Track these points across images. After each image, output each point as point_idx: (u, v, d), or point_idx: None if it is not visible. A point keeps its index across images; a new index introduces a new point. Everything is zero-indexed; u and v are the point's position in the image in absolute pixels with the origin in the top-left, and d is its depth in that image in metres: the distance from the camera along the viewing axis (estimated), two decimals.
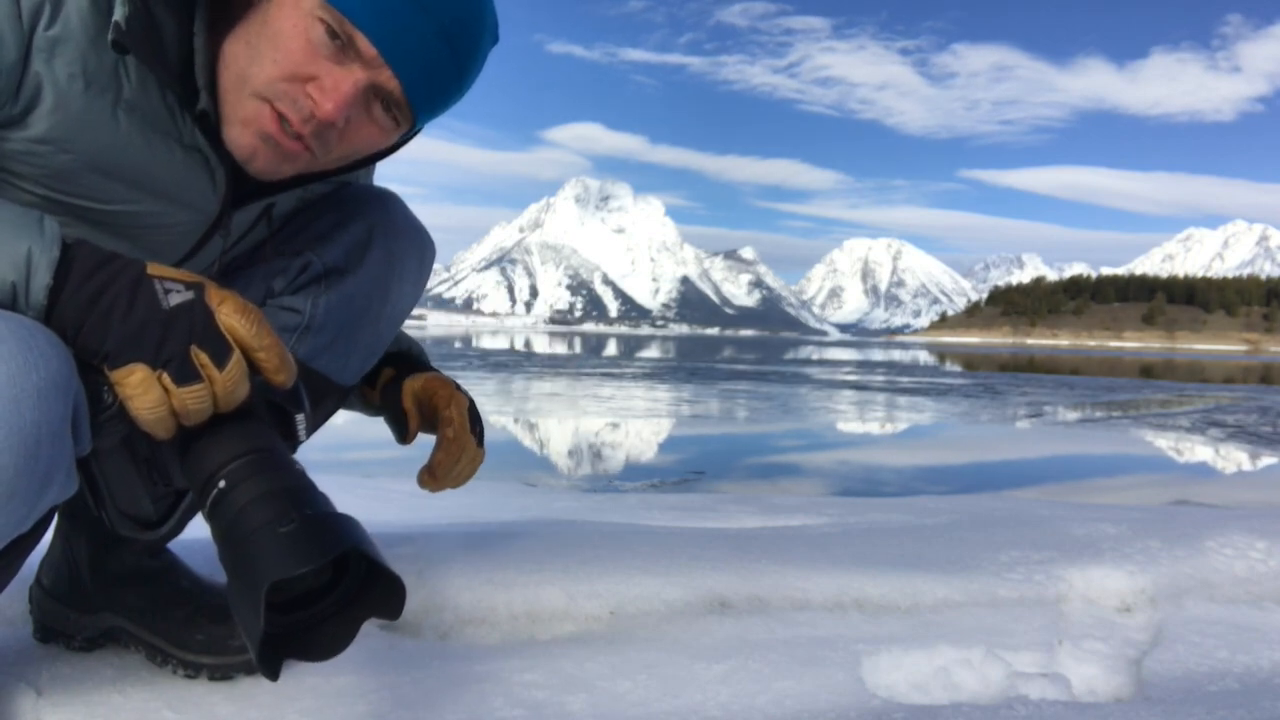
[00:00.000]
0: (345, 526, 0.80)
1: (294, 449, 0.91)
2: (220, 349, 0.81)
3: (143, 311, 0.80)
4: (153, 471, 0.90)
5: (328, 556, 0.78)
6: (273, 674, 0.79)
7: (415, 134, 1.12)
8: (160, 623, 1.26)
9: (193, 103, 0.99)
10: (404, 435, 1.38)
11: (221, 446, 0.83)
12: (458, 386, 1.38)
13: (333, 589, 0.85)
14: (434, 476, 1.33)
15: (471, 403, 1.38)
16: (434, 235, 1.36)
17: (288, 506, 0.79)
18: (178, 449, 0.86)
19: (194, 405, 0.81)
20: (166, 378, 0.80)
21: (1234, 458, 7.12)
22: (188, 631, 1.25)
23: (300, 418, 0.91)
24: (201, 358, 0.81)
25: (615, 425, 8.38)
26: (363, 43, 0.96)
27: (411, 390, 1.36)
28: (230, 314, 0.83)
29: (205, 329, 0.81)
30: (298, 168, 1.04)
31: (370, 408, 1.43)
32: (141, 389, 0.80)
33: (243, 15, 0.98)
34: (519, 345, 40.97)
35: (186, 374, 0.80)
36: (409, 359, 1.43)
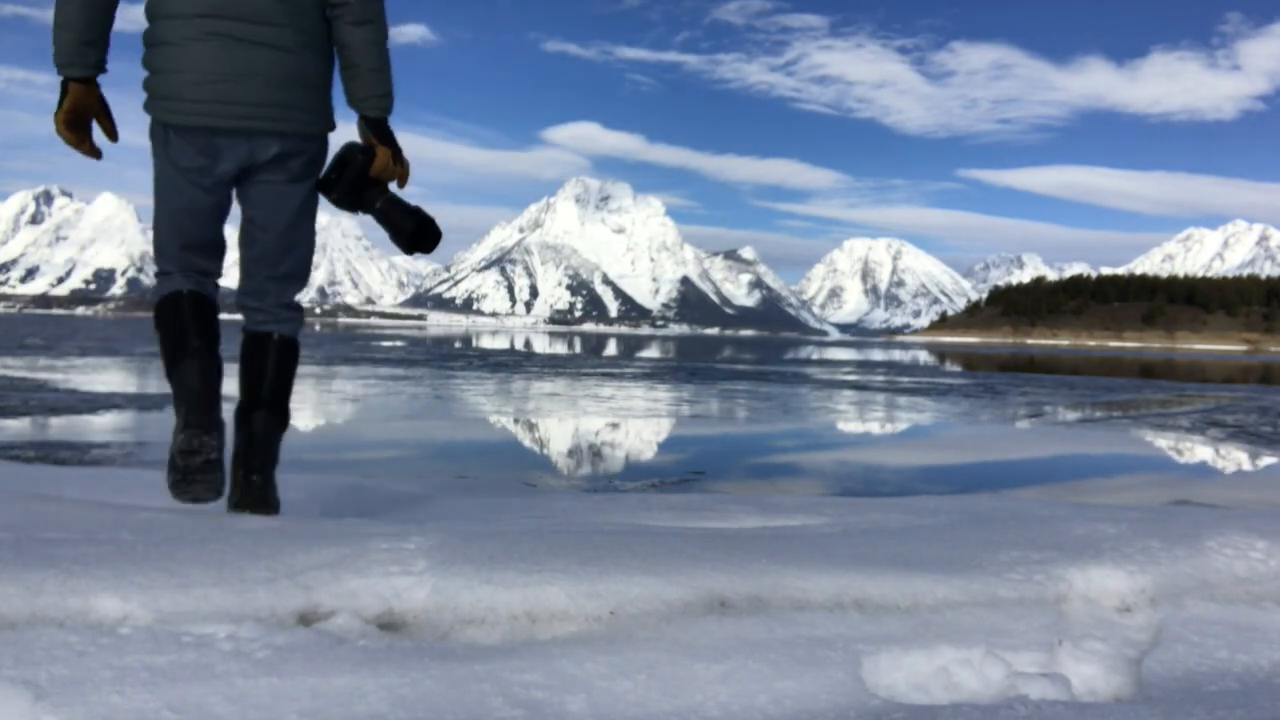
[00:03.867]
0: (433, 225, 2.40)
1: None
2: (402, 162, 2.38)
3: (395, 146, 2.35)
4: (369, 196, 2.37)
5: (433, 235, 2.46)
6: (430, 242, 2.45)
7: None
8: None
9: None
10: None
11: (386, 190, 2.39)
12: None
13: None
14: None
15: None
16: None
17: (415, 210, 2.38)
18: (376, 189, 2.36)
19: (395, 172, 2.35)
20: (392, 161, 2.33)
21: (1234, 458, 7.12)
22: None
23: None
24: (397, 162, 2.35)
25: (615, 425, 8.38)
26: None
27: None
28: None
29: (400, 156, 2.36)
30: None
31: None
32: (385, 159, 2.32)
33: None
34: (519, 345, 40.99)
35: (396, 162, 2.35)
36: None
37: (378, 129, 2.32)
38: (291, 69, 2.25)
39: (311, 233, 2.44)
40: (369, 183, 2.31)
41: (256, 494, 2.32)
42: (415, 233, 2.34)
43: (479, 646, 1.43)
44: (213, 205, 2.31)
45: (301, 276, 2.46)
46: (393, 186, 2.39)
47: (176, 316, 2.26)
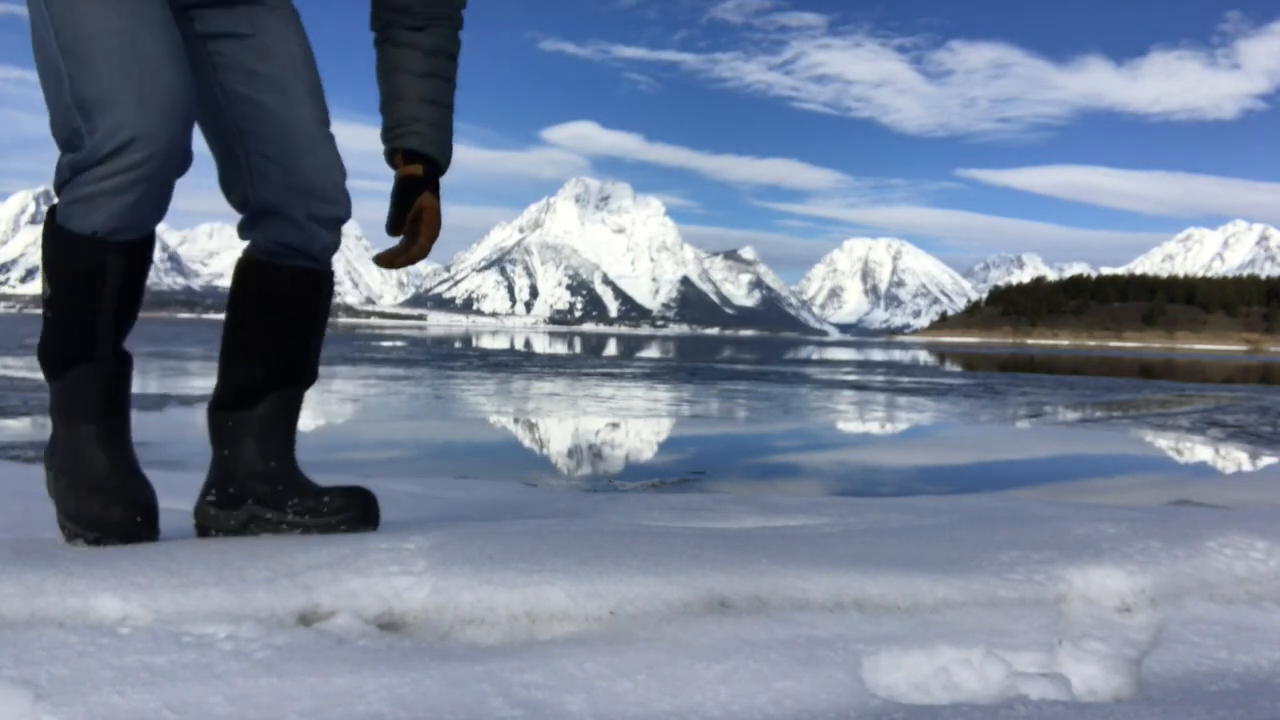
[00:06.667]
0: None
1: None
2: None
3: None
4: None
5: None
6: None
7: None
8: (280, 502, 1.83)
9: None
10: (397, 225, 1.81)
11: None
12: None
13: None
14: (394, 263, 1.82)
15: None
16: None
17: None
18: None
19: None
20: None
21: (1234, 458, 7.12)
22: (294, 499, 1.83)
23: None
24: None
25: (615, 425, 8.38)
26: None
27: (424, 202, 1.79)
28: None
29: None
30: None
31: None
32: None
33: None
34: (519, 345, 40.96)
35: None
36: (436, 170, 1.83)
37: None
38: None
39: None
40: None
41: None
42: None
43: (479, 646, 1.43)
44: None
45: None
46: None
47: None
